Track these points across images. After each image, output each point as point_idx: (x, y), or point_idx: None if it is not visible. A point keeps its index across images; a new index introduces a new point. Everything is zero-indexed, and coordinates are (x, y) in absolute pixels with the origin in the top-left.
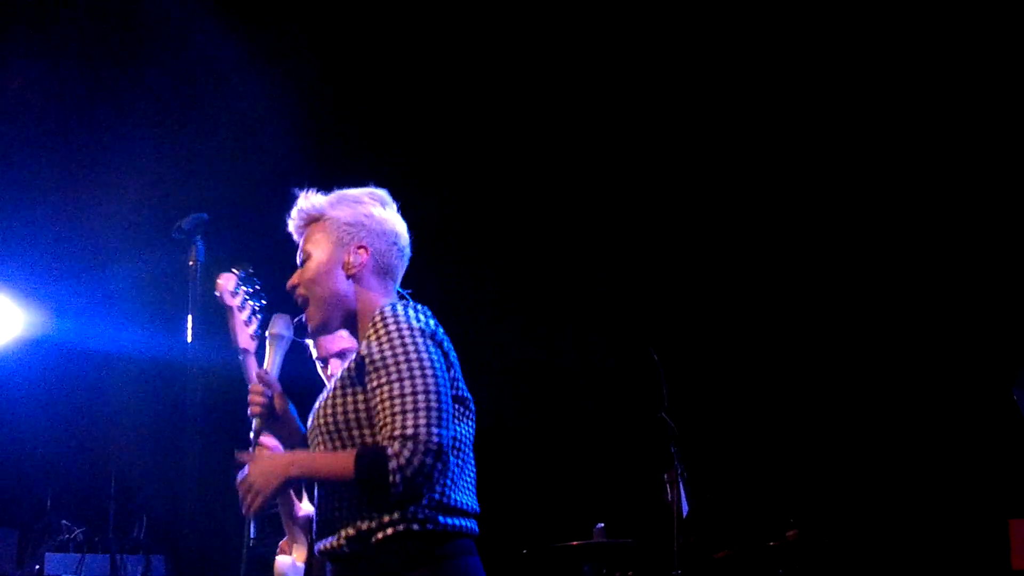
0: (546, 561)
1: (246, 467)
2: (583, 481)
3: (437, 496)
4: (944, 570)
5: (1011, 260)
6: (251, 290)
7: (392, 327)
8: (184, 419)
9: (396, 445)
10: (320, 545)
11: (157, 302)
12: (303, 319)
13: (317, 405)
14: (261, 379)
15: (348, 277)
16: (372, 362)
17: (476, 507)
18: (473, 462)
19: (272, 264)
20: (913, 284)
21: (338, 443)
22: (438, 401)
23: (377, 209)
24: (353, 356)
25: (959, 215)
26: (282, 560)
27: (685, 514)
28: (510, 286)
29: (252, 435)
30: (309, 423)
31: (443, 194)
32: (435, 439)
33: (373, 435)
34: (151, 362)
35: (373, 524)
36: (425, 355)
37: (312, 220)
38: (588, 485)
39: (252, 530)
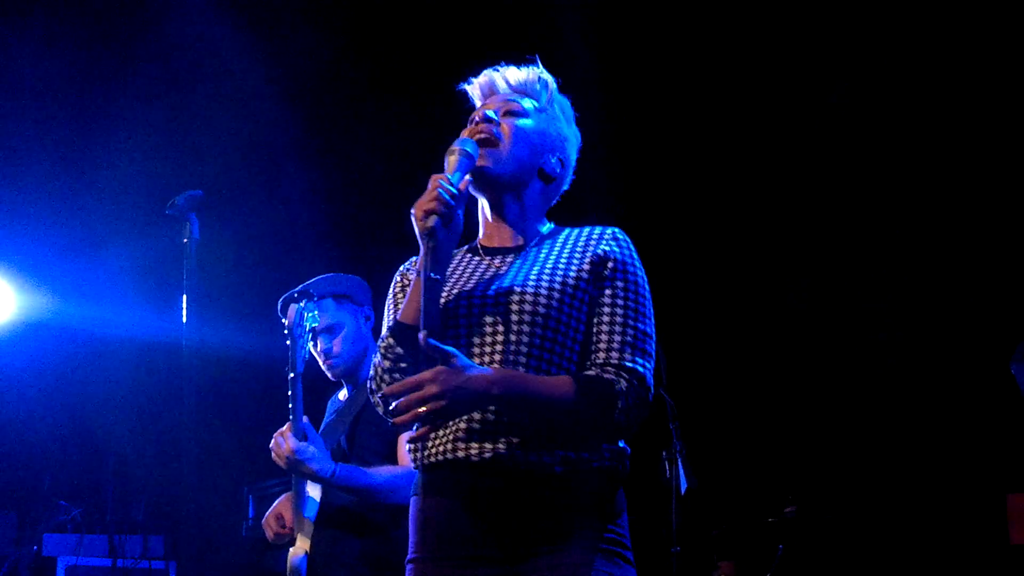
0: None
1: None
2: None
3: (622, 444)
4: (943, 546)
5: (1009, 236)
6: (311, 313)
7: (637, 257)
8: (180, 398)
9: (624, 380)
10: (516, 459)
11: (153, 281)
12: (482, 152)
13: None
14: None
15: (539, 170)
16: (624, 274)
17: None
18: None
19: (267, 240)
20: (910, 261)
21: (538, 329)
22: (653, 352)
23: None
24: (581, 249)
25: (958, 194)
26: (295, 553)
27: (683, 491)
28: None
29: (423, 248)
30: (493, 291)
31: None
32: (650, 386)
33: (575, 340)
34: (147, 341)
35: (593, 453)
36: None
37: (529, 96)
38: None
39: (251, 510)
